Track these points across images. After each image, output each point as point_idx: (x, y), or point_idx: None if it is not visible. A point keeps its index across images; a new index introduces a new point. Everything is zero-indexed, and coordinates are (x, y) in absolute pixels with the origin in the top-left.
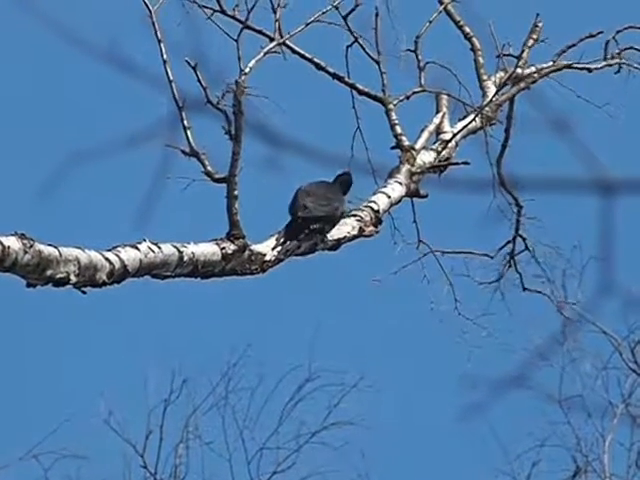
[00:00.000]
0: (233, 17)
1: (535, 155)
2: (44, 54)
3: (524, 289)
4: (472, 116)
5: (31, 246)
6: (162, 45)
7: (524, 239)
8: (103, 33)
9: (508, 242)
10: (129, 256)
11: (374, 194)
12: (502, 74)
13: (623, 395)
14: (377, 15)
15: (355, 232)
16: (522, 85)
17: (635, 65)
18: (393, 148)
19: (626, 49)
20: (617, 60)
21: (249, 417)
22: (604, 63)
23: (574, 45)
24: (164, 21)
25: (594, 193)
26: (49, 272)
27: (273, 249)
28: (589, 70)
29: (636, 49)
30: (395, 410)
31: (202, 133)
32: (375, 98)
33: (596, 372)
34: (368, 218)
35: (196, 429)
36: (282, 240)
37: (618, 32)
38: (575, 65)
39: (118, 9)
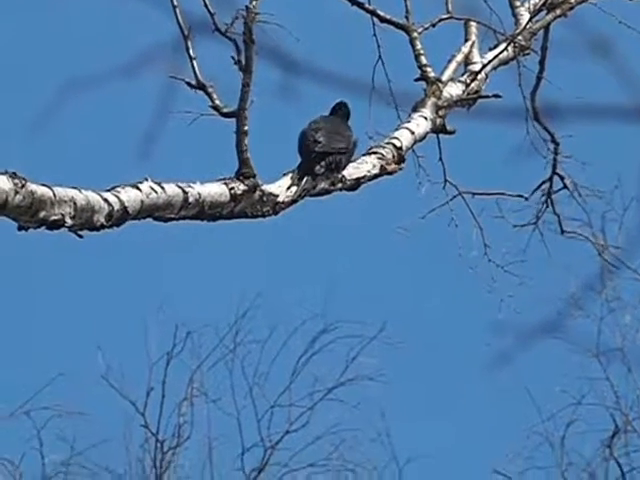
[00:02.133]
0: None
1: (572, 84)
2: None
3: (562, 232)
4: (504, 45)
5: (23, 186)
6: None
7: (562, 178)
8: None
9: (544, 181)
10: (129, 197)
11: (396, 130)
12: (536, 0)
13: None
14: None
15: (376, 171)
16: (558, 12)
17: None
18: (417, 80)
19: None
20: None
21: (259, 372)
22: None
23: None
24: None
25: (637, 122)
26: (42, 214)
27: (288, 189)
28: None
29: None
30: (417, 364)
31: (209, 63)
32: (398, 26)
33: (637, 323)
34: (390, 156)
35: (201, 385)
36: (297, 178)
37: None
38: None
39: None
